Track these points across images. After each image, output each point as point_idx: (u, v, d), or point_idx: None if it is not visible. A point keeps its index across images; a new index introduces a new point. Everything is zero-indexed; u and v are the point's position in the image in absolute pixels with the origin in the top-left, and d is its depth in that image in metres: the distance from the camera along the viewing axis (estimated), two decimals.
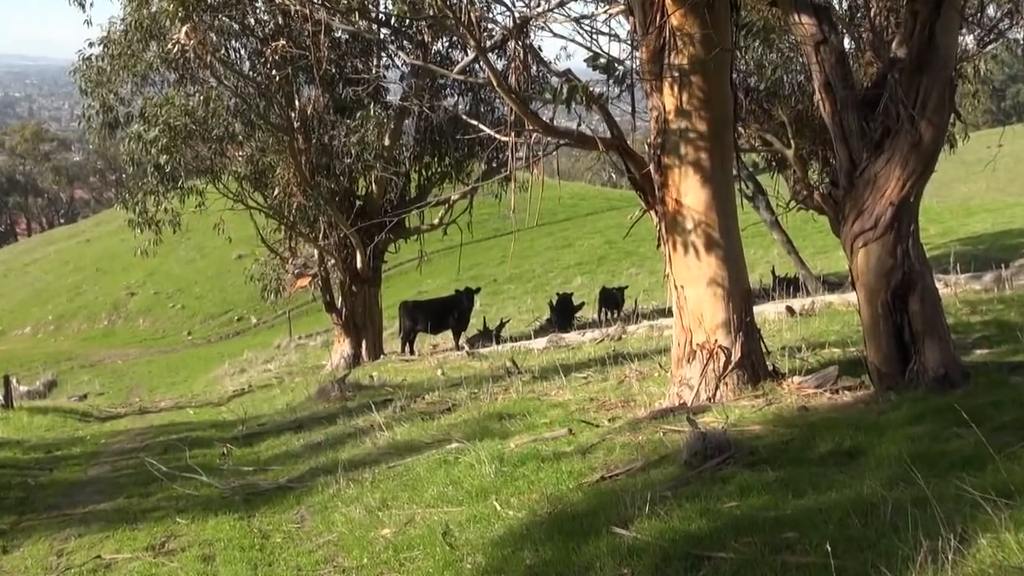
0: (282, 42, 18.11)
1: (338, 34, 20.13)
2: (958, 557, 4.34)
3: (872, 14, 11.42)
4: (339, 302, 23.39)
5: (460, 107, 22.41)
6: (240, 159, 21.41)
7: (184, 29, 16.13)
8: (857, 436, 6.69)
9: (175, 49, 17.17)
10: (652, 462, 7.04)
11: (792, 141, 18.40)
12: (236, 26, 20.12)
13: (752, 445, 6.98)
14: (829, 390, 8.52)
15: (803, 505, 5.48)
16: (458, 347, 22.33)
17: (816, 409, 8.00)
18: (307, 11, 12.57)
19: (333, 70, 20.77)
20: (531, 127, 9.11)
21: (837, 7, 13.45)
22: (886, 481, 5.58)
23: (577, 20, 9.45)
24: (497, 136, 9.80)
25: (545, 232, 52.95)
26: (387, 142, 21.39)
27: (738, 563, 4.85)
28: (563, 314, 24.16)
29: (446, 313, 23.28)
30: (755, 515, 5.42)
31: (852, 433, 6.76)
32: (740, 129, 18.60)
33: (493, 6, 13.11)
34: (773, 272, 23.82)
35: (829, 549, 4.52)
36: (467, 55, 10.38)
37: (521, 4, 9.94)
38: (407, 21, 19.67)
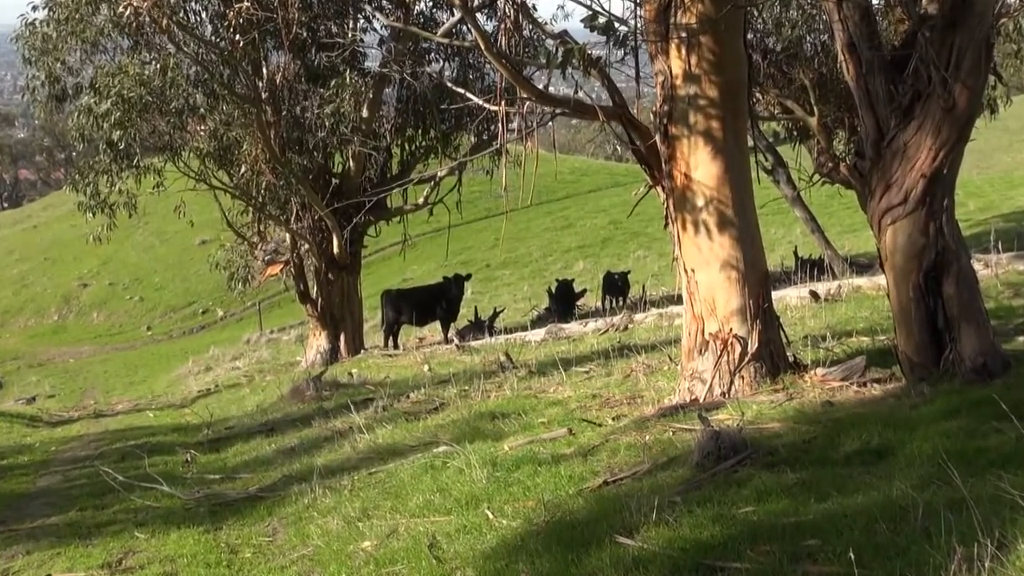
0: (247, 3, 18.04)
1: None
2: (996, 565, 4.37)
3: None
4: (314, 292, 23.38)
5: (446, 74, 22.35)
6: (202, 134, 21.34)
7: None
8: (886, 433, 6.73)
9: (127, 12, 17.09)
10: (660, 464, 7.07)
11: (815, 107, 18.39)
12: None
13: (771, 444, 7.02)
14: (856, 383, 8.56)
15: (826, 510, 5.52)
16: (447, 340, 22.36)
17: (841, 404, 8.04)
18: None
19: (304, 34, 20.70)
20: (524, 95, 9.10)
21: None
22: (918, 482, 5.62)
23: None
24: (487, 106, 9.79)
25: (543, 212, 52.91)
26: (365, 113, 21.33)
27: (754, 573, 4.88)
28: (563, 302, 24.19)
29: (433, 303, 23.29)
30: (773, 521, 5.45)
31: (881, 430, 6.80)
32: (756, 95, 18.59)
33: None
34: (795, 253, 23.86)
35: (853, 557, 4.55)
36: (452, 15, 10.35)
37: None
38: None
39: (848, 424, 7.14)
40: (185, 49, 19.56)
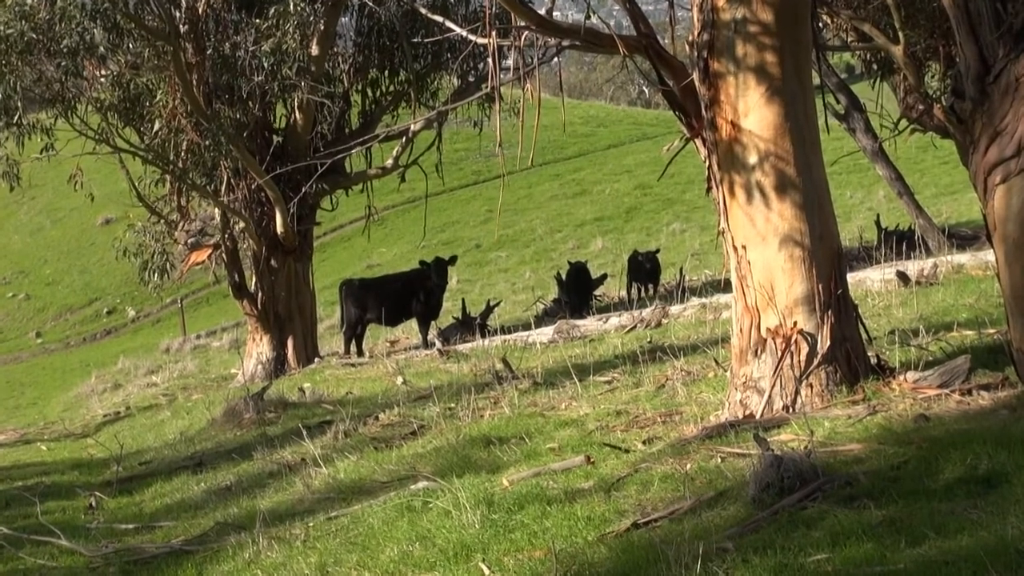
0: None
1: None
2: None
3: None
4: (253, 284, 23.37)
5: None
6: (104, 81, 21.31)
7: None
8: (998, 455, 6.74)
9: None
10: (705, 500, 7.09)
11: (900, 33, 18.38)
12: None
13: (848, 472, 7.03)
14: (958, 390, 8.56)
15: (921, 556, 5.54)
16: (426, 343, 22.36)
17: (940, 418, 8.05)
18: None
19: None
20: (521, 23, 9.10)
21: None
22: None
23: None
24: (473, 38, 9.78)
25: (549, 174, 52.95)
26: (315, 50, 21.30)
27: None
28: (576, 292, 24.19)
29: (407, 295, 23.27)
30: (853, 572, 5.48)
31: (991, 451, 6.81)
32: (824, 17, 18.59)
33: None
34: (877, 223, 23.86)
35: None
36: None
37: None
38: None
39: (948, 444, 7.14)
40: None
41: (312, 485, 10.36)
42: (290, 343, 23.05)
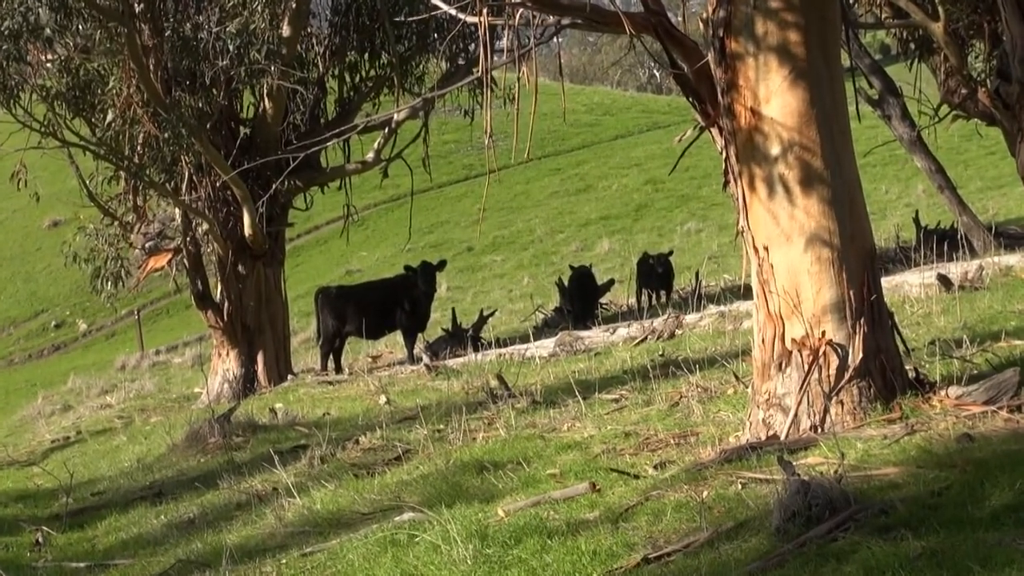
0: None
1: None
2: None
3: None
4: (218, 292, 23.36)
5: None
6: (50, 67, 21.31)
7: None
8: None
9: None
10: (724, 531, 7.09)
11: (940, 8, 18.43)
12: None
13: (884, 499, 7.04)
14: (1006, 407, 8.57)
15: None
16: (412, 358, 22.38)
17: (986, 438, 8.05)
18: None
19: None
20: None
21: None
22: None
23: None
24: (462, 16, 9.78)
25: (549, 168, 52.97)
26: (286, 31, 21.32)
27: None
28: (581, 299, 24.21)
29: (391, 304, 23.28)
30: None
31: None
32: None
33: None
34: (916, 220, 23.89)
35: None
36: None
37: None
38: None
39: (995, 467, 7.15)
40: None
41: (285, 517, 10.36)
42: (260, 359, 23.04)
